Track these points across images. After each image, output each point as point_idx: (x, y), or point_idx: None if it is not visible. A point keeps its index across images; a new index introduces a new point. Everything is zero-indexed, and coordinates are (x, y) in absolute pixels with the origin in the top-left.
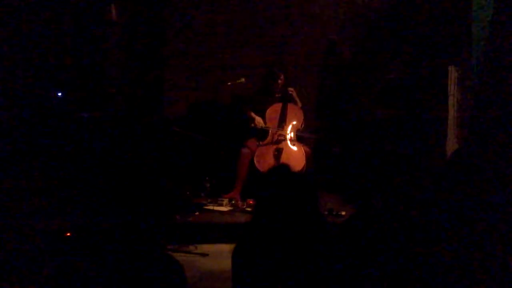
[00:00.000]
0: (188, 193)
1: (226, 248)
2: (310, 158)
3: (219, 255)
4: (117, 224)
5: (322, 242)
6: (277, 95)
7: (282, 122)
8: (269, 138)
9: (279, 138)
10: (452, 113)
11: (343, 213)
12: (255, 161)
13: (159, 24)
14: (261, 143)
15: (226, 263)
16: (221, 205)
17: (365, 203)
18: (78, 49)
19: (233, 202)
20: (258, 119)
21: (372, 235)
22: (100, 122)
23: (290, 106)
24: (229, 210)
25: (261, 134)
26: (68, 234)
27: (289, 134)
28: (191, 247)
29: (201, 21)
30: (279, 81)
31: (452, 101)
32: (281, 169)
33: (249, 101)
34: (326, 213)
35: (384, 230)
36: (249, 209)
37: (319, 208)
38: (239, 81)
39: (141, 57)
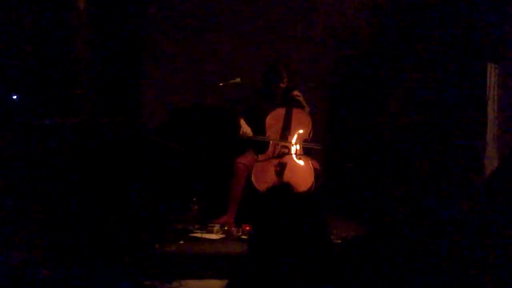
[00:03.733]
0: (170, 216)
1: (216, 285)
2: (319, 175)
3: None
4: (83, 254)
5: (332, 278)
6: (279, 99)
7: (285, 131)
8: (269, 151)
9: (282, 150)
10: (491, 119)
11: None
12: (252, 179)
13: (135, 12)
14: (260, 157)
15: None
16: (211, 232)
17: (380, 228)
18: (39, 42)
19: (226, 228)
20: (245, 128)
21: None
22: (65, 130)
23: (295, 111)
24: (221, 238)
25: (260, 145)
26: None
27: (294, 146)
28: (174, 284)
29: (187, 9)
30: (282, 84)
31: (491, 105)
32: (284, 188)
33: (245, 105)
34: (338, 242)
35: (406, 260)
36: (244, 237)
37: (329, 236)
38: (234, 81)
39: (114, 52)
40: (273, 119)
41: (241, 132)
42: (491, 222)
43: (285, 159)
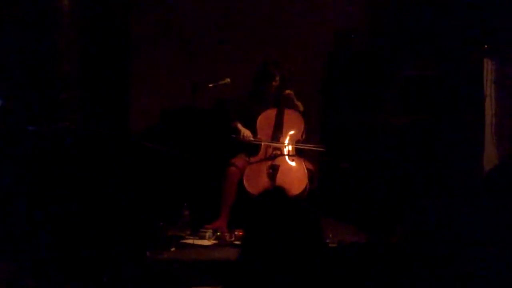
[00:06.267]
0: (161, 223)
1: None
2: (313, 177)
3: None
4: (70, 264)
5: (327, 283)
6: (270, 99)
7: (277, 132)
8: (261, 153)
9: (274, 152)
10: (489, 118)
11: None
12: (244, 182)
13: (122, 12)
14: (251, 159)
15: None
16: (203, 237)
17: (381, 232)
18: (21, 44)
19: (218, 234)
20: (245, 132)
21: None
22: (50, 137)
23: (287, 112)
24: (213, 244)
25: (252, 148)
26: None
27: (287, 147)
28: None
29: (175, 7)
30: (274, 83)
31: (488, 103)
32: (277, 192)
33: (236, 107)
34: (334, 246)
35: (405, 267)
36: (237, 242)
37: (324, 240)
38: (223, 82)
39: (100, 54)
40: (265, 120)
41: (241, 136)
42: (490, 222)
43: (278, 161)
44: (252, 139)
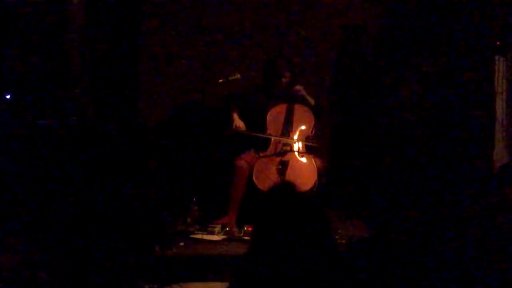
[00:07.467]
0: (170, 218)
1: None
2: (323, 173)
3: None
4: (81, 257)
5: (337, 279)
6: (280, 94)
7: (287, 128)
8: (271, 148)
9: (284, 148)
10: (500, 115)
11: None
12: (253, 178)
13: (132, 7)
14: (261, 154)
15: None
16: (212, 233)
17: (384, 225)
18: (31, 38)
19: (227, 229)
20: (239, 123)
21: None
22: (61, 132)
23: (297, 107)
24: (222, 239)
25: (261, 143)
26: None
27: (296, 143)
28: (175, 287)
29: (185, 5)
30: (284, 79)
31: (500, 100)
32: (286, 188)
33: (243, 100)
34: (343, 242)
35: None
36: (246, 237)
37: (333, 236)
38: (233, 77)
39: (111, 48)
40: (274, 116)
41: (233, 126)
42: (499, 220)
43: (287, 157)
44: (244, 129)
